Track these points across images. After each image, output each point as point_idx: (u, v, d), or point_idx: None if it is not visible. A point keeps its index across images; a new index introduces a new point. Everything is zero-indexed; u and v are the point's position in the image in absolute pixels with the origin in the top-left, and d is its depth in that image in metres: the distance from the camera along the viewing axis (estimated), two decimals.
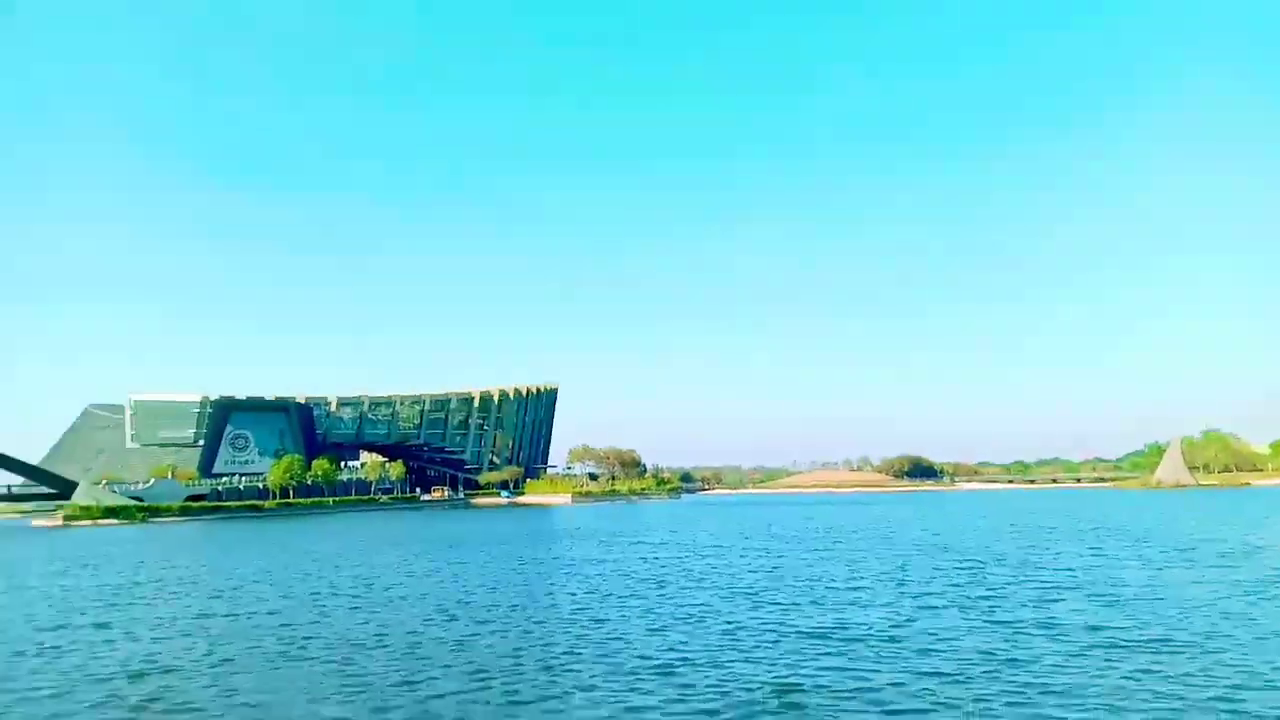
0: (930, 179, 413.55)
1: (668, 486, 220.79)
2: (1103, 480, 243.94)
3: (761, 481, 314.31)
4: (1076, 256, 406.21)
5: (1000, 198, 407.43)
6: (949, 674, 15.07)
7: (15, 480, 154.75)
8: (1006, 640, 17.95)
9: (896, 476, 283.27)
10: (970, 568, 32.86)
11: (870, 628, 19.86)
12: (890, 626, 19.98)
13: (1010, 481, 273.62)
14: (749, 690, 14.24)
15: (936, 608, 22.79)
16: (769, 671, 15.61)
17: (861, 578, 30.21)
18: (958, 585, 27.44)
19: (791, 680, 14.90)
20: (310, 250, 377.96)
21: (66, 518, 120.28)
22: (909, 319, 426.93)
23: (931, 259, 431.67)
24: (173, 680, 16.28)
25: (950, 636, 18.59)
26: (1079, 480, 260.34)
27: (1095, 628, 19.08)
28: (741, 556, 40.65)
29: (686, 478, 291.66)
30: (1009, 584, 27.46)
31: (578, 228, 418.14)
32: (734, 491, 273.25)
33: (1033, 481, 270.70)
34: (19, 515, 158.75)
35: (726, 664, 16.37)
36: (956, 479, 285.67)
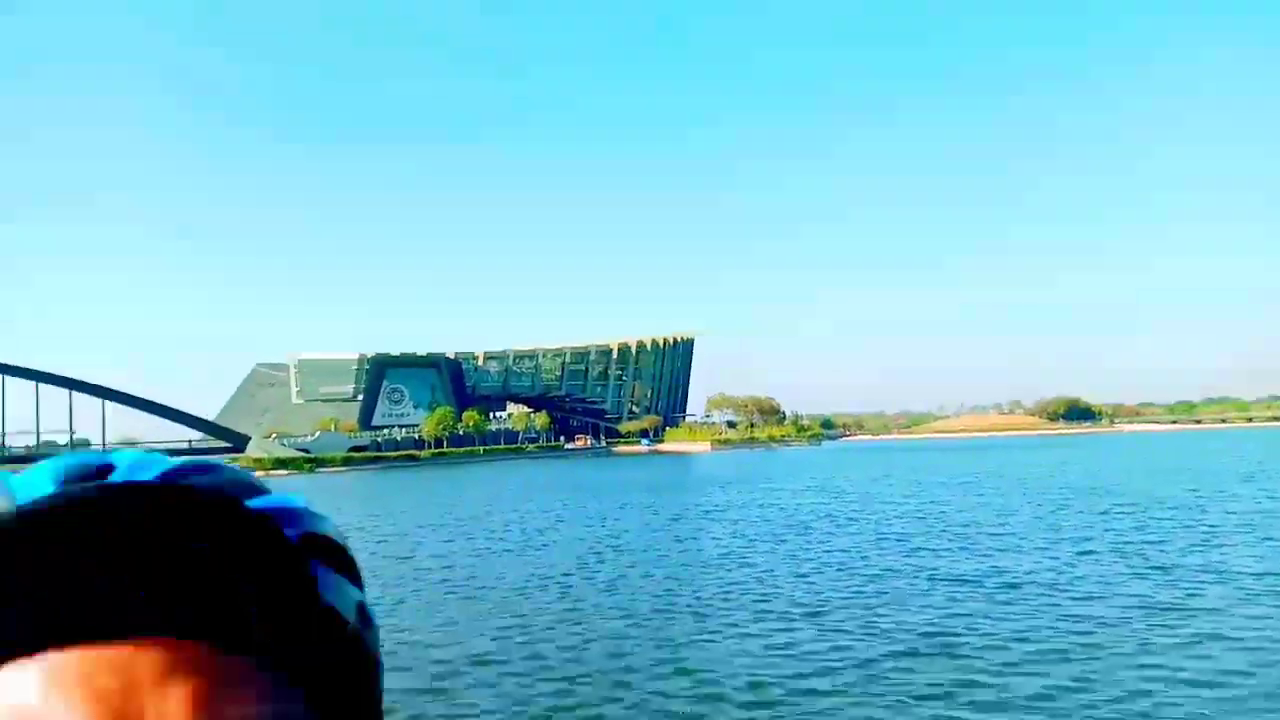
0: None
1: (808, 433, 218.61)
2: (1278, 419, 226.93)
3: (906, 427, 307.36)
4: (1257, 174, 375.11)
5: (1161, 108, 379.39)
6: (1110, 621, 14.52)
7: (194, 435, 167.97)
8: (1170, 587, 17.13)
9: (1051, 419, 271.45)
10: (1130, 512, 31.37)
11: (1026, 574, 19.29)
12: (1047, 572, 19.35)
13: (1174, 423, 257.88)
14: (903, 635, 14.13)
15: (1096, 553, 21.90)
16: (921, 616, 15.43)
17: (1015, 524, 29.30)
18: (1117, 530, 26.27)
19: (945, 626, 14.68)
20: (442, 202, 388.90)
21: (242, 469, 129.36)
22: (1065, 247, 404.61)
23: (1089, 177, 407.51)
24: None
25: (1111, 583, 17.87)
26: (1250, 420, 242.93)
27: (1264, 574, 17.95)
28: (887, 502, 40.06)
29: (827, 424, 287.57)
30: (1173, 529, 26.09)
31: (716, 172, 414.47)
32: (877, 438, 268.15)
33: (1199, 422, 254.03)
34: None
35: (878, 608, 16.26)
36: (1116, 421, 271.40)
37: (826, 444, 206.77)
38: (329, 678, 0.47)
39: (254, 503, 0.47)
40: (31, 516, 0.41)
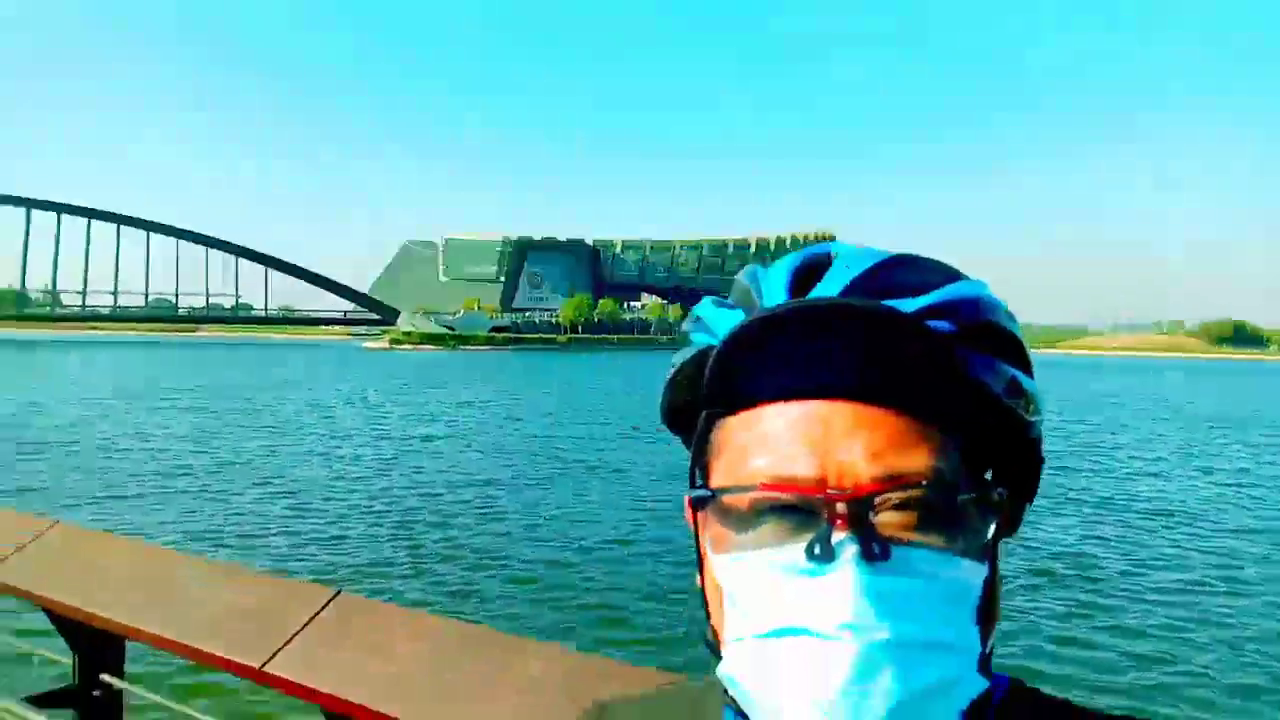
0: None
1: None
2: None
3: (1053, 342, 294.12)
4: None
5: None
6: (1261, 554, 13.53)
7: (348, 306, 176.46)
8: None
9: (1213, 343, 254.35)
10: None
11: (1169, 502, 18.18)
12: (1196, 501, 18.19)
13: None
14: (1032, 553, 13.57)
15: (1250, 485, 20.43)
16: (1055, 536, 14.77)
17: (1164, 448, 27.61)
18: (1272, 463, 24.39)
19: (1079, 548, 14.01)
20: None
21: (392, 341, 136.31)
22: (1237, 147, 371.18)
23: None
24: (487, 490, 18.05)
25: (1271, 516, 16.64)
26: None
27: None
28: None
29: None
30: None
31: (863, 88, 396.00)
32: None
33: None
34: (350, 337, 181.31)
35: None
36: None
37: None
38: (979, 438, 0.60)
39: (923, 300, 0.59)
40: (787, 313, 0.58)
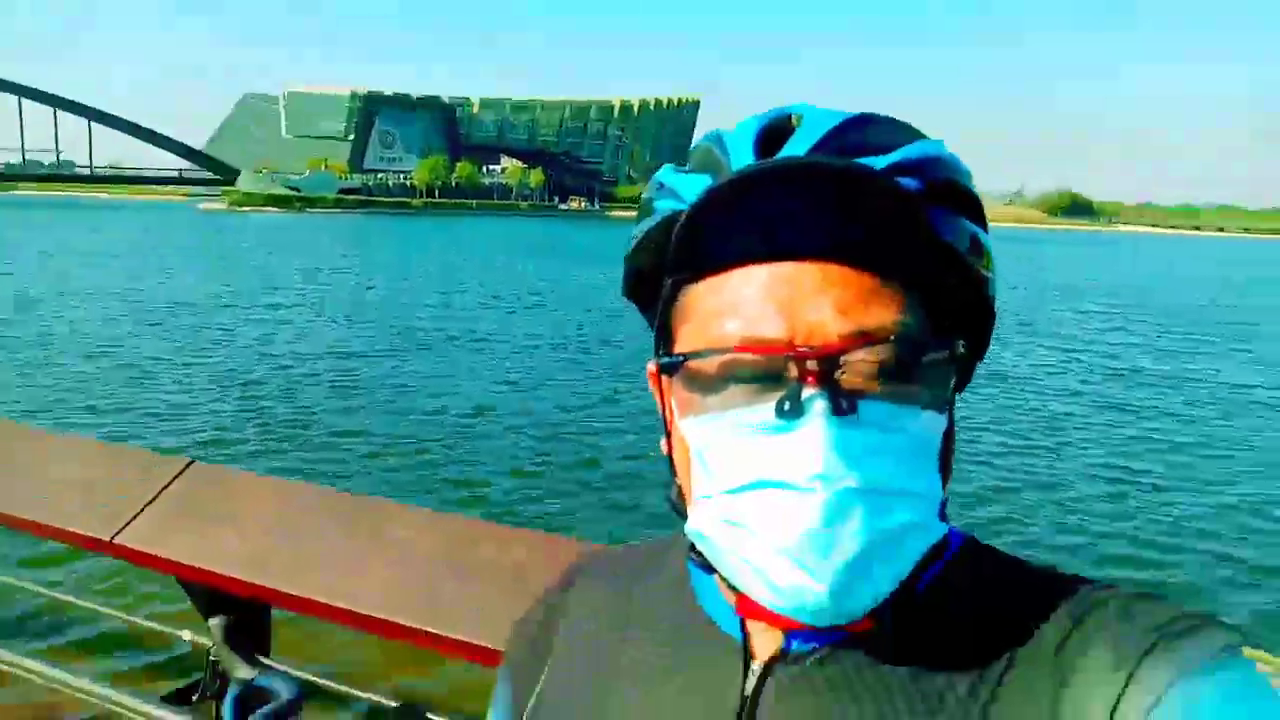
0: None
1: None
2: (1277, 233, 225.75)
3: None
4: None
5: None
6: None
7: (183, 164, 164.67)
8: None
9: (1052, 214, 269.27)
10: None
11: (1003, 367, 19.54)
12: (1026, 368, 19.61)
13: (1174, 227, 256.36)
14: None
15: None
16: None
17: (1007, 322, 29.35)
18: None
19: None
20: None
21: (232, 203, 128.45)
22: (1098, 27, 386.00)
23: None
24: (348, 363, 17.59)
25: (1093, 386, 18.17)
26: (1247, 230, 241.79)
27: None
28: None
29: None
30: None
31: None
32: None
33: (1198, 228, 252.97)
34: (185, 198, 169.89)
35: None
36: (1114, 220, 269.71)
37: None
38: (942, 294, 0.61)
39: (889, 158, 0.59)
40: (758, 174, 0.58)
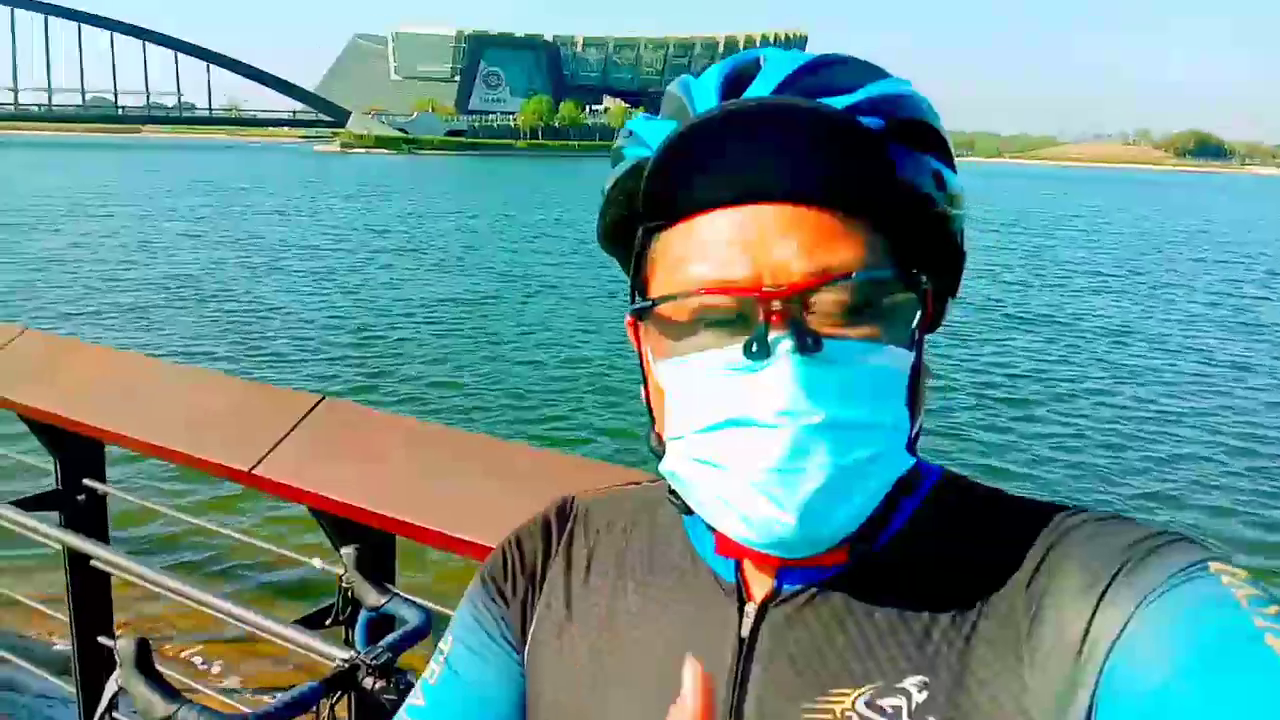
0: None
1: None
2: None
3: (1021, 151, 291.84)
4: None
5: None
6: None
7: (297, 106, 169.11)
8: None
9: (1179, 155, 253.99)
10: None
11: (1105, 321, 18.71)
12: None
13: None
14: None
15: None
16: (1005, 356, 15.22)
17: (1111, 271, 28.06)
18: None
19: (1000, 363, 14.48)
20: None
21: (344, 145, 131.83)
22: None
23: None
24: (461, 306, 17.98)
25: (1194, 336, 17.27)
26: None
27: None
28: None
29: None
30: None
31: None
32: (987, 160, 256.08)
33: None
34: (301, 139, 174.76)
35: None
36: (1248, 161, 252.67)
37: None
38: (906, 228, 0.62)
39: (852, 97, 0.60)
40: (720, 117, 0.59)
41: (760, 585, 0.68)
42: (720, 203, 0.61)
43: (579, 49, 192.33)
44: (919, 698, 0.60)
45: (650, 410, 0.69)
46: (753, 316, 0.58)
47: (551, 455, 1.91)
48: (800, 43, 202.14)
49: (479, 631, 0.78)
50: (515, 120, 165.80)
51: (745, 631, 0.67)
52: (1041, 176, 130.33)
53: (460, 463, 1.82)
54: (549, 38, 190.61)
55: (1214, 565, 0.55)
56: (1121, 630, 0.54)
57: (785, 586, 0.66)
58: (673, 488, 0.67)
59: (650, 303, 0.63)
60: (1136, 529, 0.60)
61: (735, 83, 0.63)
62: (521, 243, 28.10)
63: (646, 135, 0.65)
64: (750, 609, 0.67)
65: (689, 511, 0.67)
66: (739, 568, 0.69)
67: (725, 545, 0.66)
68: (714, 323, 0.60)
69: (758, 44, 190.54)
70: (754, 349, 0.57)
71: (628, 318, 0.69)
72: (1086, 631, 0.56)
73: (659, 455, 0.68)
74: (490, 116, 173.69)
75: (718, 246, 0.60)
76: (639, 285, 0.68)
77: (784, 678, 0.64)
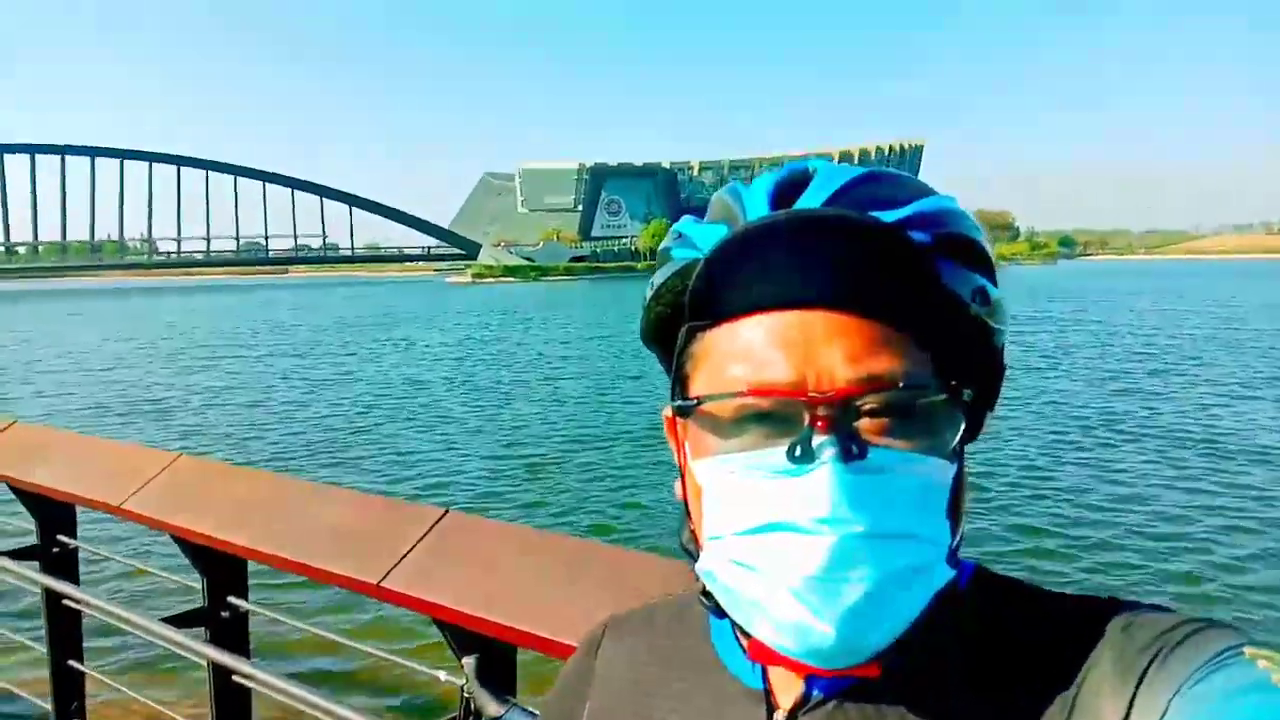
0: None
1: (1043, 251, 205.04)
2: None
3: (1155, 247, 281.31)
4: None
5: None
6: None
7: (430, 241, 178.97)
8: None
9: None
10: None
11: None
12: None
13: None
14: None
15: None
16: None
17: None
18: None
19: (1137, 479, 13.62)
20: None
21: (475, 276, 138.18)
22: None
23: None
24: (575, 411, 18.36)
25: None
26: None
27: None
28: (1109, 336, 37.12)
29: (1066, 242, 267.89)
30: None
31: None
32: (1121, 258, 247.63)
33: None
34: (434, 272, 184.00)
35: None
36: None
37: (1063, 263, 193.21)
38: (949, 340, 0.62)
39: (901, 212, 0.61)
40: (772, 224, 0.61)
41: (787, 692, 0.67)
42: (766, 306, 0.61)
43: (695, 173, 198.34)
44: None
45: (686, 508, 0.68)
46: (797, 420, 0.58)
47: (668, 561, 1.91)
48: (916, 153, 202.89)
49: None
50: (635, 244, 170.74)
51: None
52: (1184, 273, 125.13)
53: (577, 571, 1.84)
54: (666, 164, 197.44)
55: (1249, 650, 0.54)
56: None
57: (814, 693, 0.66)
58: (706, 589, 0.66)
59: (695, 401, 0.63)
60: (1169, 617, 0.59)
61: (786, 192, 0.64)
62: (643, 355, 28.57)
63: (696, 238, 0.67)
64: (779, 717, 0.67)
65: (721, 614, 0.66)
66: (766, 673, 0.68)
67: (757, 651, 0.64)
68: (757, 424, 0.60)
69: (872, 156, 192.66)
70: (798, 453, 0.57)
71: (666, 413, 0.68)
72: None
73: (691, 555, 0.68)
74: (612, 241, 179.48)
75: (763, 349, 0.60)
76: (679, 383, 0.67)
77: None
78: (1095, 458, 13.71)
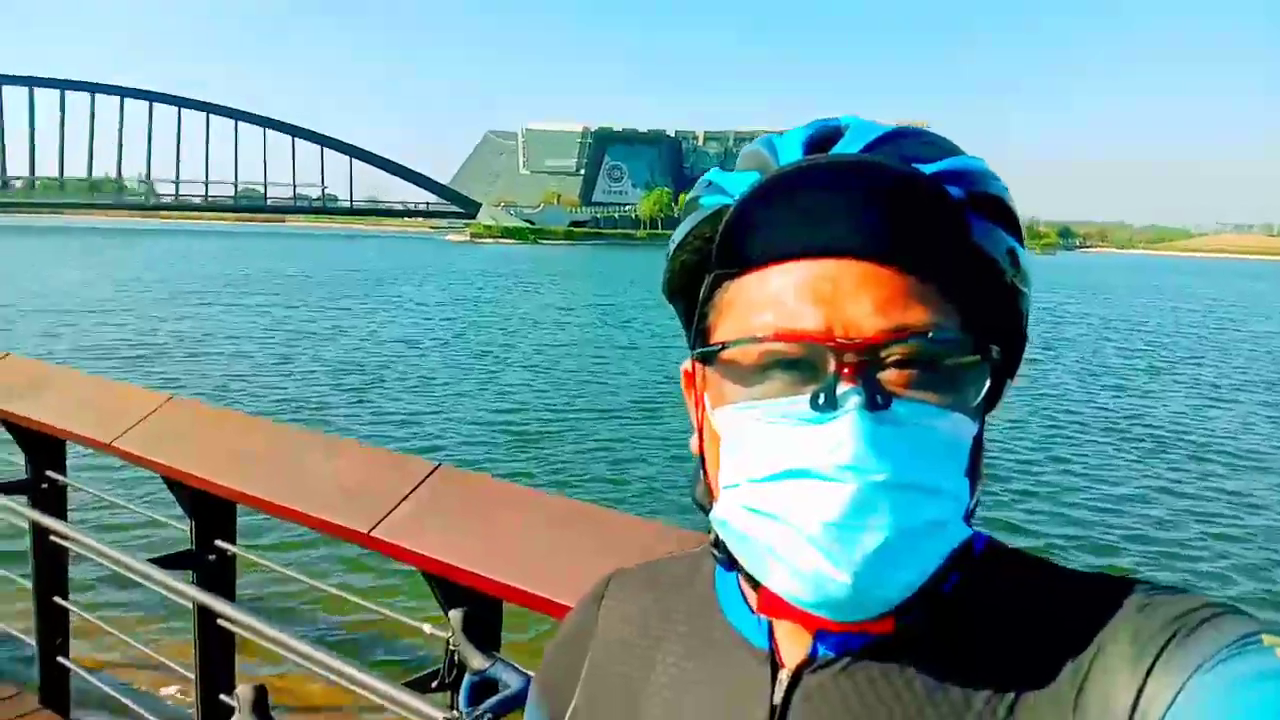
0: None
1: (1042, 241, 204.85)
2: None
3: (1153, 242, 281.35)
4: None
5: None
6: None
7: (430, 198, 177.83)
8: None
9: None
10: None
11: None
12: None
13: None
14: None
15: None
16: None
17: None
18: None
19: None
20: None
21: (473, 235, 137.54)
22: None
23: None
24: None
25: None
26: None
27: None
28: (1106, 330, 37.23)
29: (1065, 233, 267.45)
30: None
31: None
32: (1119, 251, 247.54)
33: None
34: (432, 229, 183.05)
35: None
36: None
37: (1061, 254, 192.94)
38: (977, 299, 0.61)
39: (935, 166, 0.60)
40: (808, 168, 0.59)
41: (794, 651, 0.66)
42: (796, 254, 0.60)
43: (700, 143, 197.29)
44: None
45: (702, 461, 0.67)
46: (822, 368, 0.58)
47: (654, 524, 1.92)
48: None
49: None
50: (636, 211, 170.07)
51: (777, 698, 0.65)
52: (1183, 269, 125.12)
53: (565, 530, 1.85)
54: (671, 133, 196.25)
55: (1268, 638, 0.53)
56: (1171, 702, 0.52)
57: (820, 653, 0.65)
58: (718, 539, 0.65)
59: (719, 346, 0.62)
60: (1188, 599, 0.58)
61: (820, 143, 0.63)
62: (637, 323, 28.59)
63: (727, 185, 0.65)
64: (784, 675, 0.65)
65: (731, 565, 0.65)
66: (772, 632, 0.67)
67: (767, 604, 0.63)
68: (781, 371, 0.59)
69: None
70: (822, 401, 0.56)
71: (685, 367, 0.68)
72: (1136, 703, 0.54)
73: (704, 509, 0.67)
74: (612, 208, 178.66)
75: (791, 296, 0.60)
76: (701, 332, 0.66)
77: None
78: (1078, 453, 13.80)
